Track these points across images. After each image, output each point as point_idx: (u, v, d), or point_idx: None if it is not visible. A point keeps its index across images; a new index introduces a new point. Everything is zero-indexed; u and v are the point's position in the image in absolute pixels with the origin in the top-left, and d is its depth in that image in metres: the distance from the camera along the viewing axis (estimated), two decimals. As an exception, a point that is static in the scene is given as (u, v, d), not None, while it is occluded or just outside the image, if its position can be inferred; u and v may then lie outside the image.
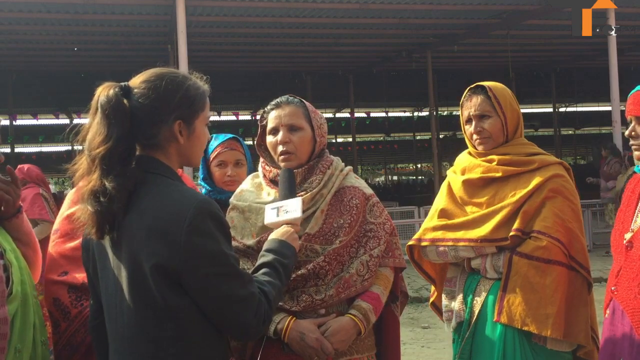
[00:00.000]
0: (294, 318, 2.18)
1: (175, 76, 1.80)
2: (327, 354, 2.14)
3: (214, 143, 3.03)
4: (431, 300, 2.92)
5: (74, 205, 2.38)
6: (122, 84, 1.75)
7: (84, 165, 1.72)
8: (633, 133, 2.26)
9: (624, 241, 2.23)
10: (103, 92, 1.72)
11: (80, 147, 1.76)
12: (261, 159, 2.44)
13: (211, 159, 2.99)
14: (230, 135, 3.09)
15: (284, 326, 2.15)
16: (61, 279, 2.37)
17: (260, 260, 1.92)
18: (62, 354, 2.35)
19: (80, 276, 2.30)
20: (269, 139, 2.35)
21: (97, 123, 1.70)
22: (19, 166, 6.13)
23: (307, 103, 2.38)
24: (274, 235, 2.02)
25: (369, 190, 2.42)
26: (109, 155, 1.67)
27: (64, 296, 2.35)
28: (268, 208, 2.15)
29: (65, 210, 2.52)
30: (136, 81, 1.77)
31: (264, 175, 2.40)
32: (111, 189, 1.65)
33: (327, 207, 2.30)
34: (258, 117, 2.44)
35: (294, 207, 2.09)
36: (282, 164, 2.32)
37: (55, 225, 2.53)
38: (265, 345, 2.16)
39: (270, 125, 2.34)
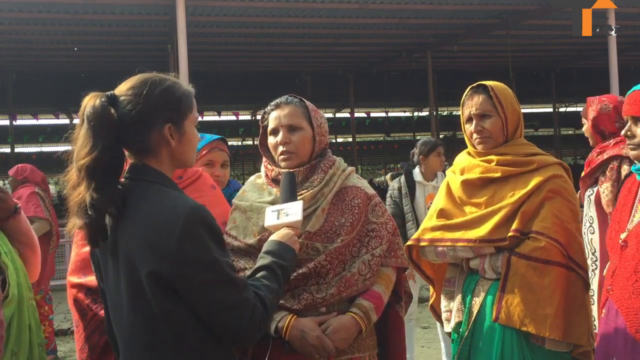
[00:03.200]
0: (295, 316, 2.18)
1: (160, 80, 1.80)
2: (328, 351, 2.14)
3: (200, 142, 3.03)
4: (430, 302, 2.92)
5: None
6: (108, 93, 1.75)
7: (73, 177, 1.71)
8: (629, 133, 2.27)
9: (620, 241, 2.23)
10: (89, 102, 1.71)
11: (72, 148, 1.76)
12: (264, 159, 2.45)
13: (198, 157, 2.99)
14: (217, 136, 3.11)
15: (284, 324, 2.16)
16: (81, 282, 2.41)
17: (258, 263, 1.92)
18: (83, 351, 2.37)
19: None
20: (270, 139, 2.36)
21: (82, 134, 1.70)
22: (20, 166, 6.12)
23: (307, 102, 2.38)
24: (274, 237, 2.02)
25: (371, 191, 2.42)
26: (94, 166, 1.66)
27: (82, 298, 2.39)
28: (268, 211, 2.15)
29: None
30: (122, 88, 1.77)
31: (266, 175, 2.42)
32: (98, 200, 1.65)
33: (329, 206, 2.31)
34: (258, 117, 2.46)
35: (294, 210, 2.09)
36: (282, 164, 2.33)
37: None
38: (266, 344, 2.15)
39: (270, 125, 2.35)
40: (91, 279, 2.40)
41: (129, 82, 1.79)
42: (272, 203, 2.26)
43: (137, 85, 1.76)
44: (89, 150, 1.67)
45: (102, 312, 2.13)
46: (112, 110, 1.70)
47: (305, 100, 2.39)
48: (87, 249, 2.45)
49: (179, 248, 1.64)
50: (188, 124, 1.83)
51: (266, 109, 2.40)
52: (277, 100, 2.38)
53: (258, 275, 1.86)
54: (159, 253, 1.64)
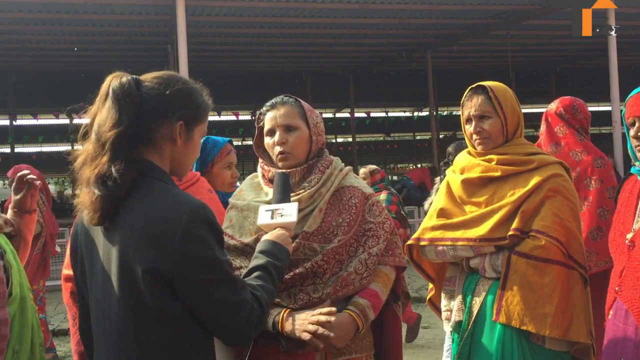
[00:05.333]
0: (289, 310, 2.16)
1: (186, 80, 1.84)
2: (322, 339, 2.07)
3: (217, 144, 3.06)
4: (428, 296, 2.92)
5: None
6: (133, 75, 1.77)
7: (90, 150, 1.71)
8: (639, 134, 2.25)
9: (626, 241, 2.23)
10: (115, 79, 1.73)
11: (79, 146, 1.75)
12: (260, 160, 2.44)
13: (219, 159, 3.04)
14: (227, 139, 3.15)
15: (280, 318, 2.14)
16: None
17: (253, 263, 1.92)
18: (81, 344, 2.36)
19: None
20: (267, 140, 2.36)
21: (107, 108, 1.70)
22: (15, 166, 6.11)
23: (302, 102, 2.38)
24: (268, 236, 2.02)
25: (368, 190, 2.41)
26: (120, 139, 1.67)
27: None
28: (262, 209, 2.15)
29: None
30: (147, 76, 1.80)
31: (263, 175, 2.41)
32: (119, 173, 1.65)
33: (326, 206, 2.30)
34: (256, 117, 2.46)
35: (289, 212, 2.09)
36: (280, 164, 2.33)
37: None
38: (265, 344, 2.15)
39: (266, 126, 2.35)
40: None
41: (155, 73, 1.82)
42: (269, 204, 2.25)
43: (164, 77, 1.79)
44: (115, 122, 1.67)
45: None
46: (136, 90, 1.73)
47: (300, 100, 2.39)
48: None
49: (181, 245, 1.63)
50: (197, 132, 1.85)
51: (261, 110, 2.40)
52: (273, 101, 2.38)
53: (254, 275, 1.86)
54: (160, 250, 1.63)
